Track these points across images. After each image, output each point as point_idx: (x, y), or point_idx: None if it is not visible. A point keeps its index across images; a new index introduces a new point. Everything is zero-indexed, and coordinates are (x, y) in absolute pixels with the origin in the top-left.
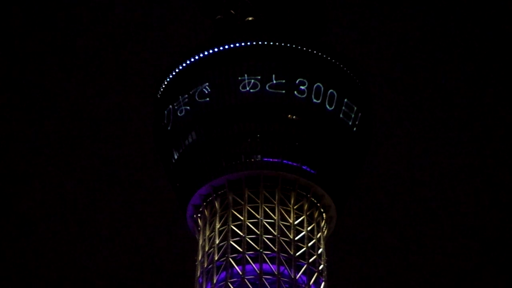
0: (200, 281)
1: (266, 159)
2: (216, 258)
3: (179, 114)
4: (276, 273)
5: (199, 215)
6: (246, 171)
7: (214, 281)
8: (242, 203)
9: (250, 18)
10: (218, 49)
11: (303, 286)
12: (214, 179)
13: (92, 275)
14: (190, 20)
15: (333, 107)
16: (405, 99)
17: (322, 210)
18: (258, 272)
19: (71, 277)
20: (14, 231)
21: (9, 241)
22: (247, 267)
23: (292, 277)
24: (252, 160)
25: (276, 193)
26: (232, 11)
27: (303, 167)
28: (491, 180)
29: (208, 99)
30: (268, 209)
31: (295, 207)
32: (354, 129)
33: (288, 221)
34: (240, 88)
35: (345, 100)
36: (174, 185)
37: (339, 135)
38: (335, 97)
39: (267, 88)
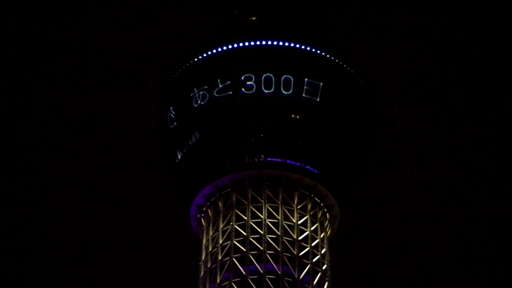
0: (204, 281)
1: (269, 159)
2: (219, 258)
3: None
4: (279, 273)
5: (202, 215)
6: (250, 171)
7: (218, 280)
8: (246, 203)
9: (253, 18)
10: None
11: (307, 286)
12: (217, 179)
13: (94, 275)
14: (193, 20)
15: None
16: (408, 98)
17: (325, 210)
18: (262, 272)
19: (73, 278)
20: (14, 231)
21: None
22: (251, 266)
23: (296, 277)
24: (256, 160)
25: (279, 193)
26: (235, 11)
27: (307, 167)
28: (493, 176)
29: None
30: (272, 209)
31: (298, 207)
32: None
33: (291, 221)
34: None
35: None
36: (178, 185)
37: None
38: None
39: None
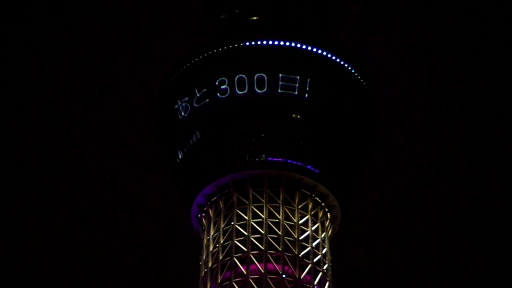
0: (205, 280)
1: (270, 158)
2: (220, 258)
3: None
4: (280, 272)
5: (203, 214)
6: (251, 171)
7: (219, 280)
8: (247, 202)
9: (254, 18)
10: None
11: (308, 285)
12: (218, 178)
13: (95, 275)
14: (194, 21)
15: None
16: (408, 98)
17: (326, 209)
18: (263, 271)
19: (74, 277)
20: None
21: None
22: (252, 266)
23: (297, 276)
24: (257, 159)
25: (280, 193)
26: (236, 11)
27: (308, 166)
28: (495, 176)
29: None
30: (273, 209)
31: (299, 207)
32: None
33: (292, 221)
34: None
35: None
36: (179, 184)
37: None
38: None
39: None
